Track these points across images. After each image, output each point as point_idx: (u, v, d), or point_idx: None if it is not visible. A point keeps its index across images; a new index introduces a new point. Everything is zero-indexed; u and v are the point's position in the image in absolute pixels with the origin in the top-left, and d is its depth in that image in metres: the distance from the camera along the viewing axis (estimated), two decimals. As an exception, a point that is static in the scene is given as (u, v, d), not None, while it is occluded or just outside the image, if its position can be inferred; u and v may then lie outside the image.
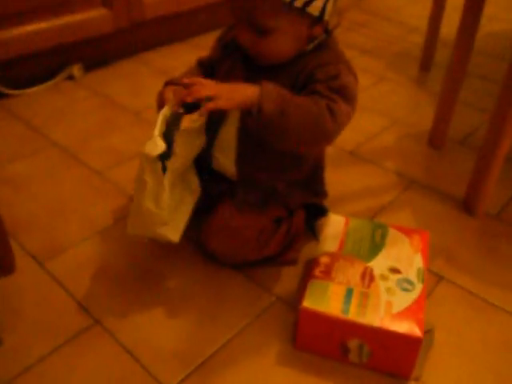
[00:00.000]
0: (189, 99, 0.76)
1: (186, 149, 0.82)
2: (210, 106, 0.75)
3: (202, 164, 0.94)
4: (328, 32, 0.85)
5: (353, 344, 0.77)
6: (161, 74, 1.61)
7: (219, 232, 0.90)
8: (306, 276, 0.85)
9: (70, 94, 1.52)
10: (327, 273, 0.82)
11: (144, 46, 1.78)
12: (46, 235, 1.01)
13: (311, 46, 0.84)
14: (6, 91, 1.46)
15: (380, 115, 1.48)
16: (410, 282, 0.81)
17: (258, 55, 0.83)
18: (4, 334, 0.81)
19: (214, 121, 0.88)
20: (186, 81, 0.79)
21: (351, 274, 0.82)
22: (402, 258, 0.86)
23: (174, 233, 0.84)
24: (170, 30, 1.84)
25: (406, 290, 0.80)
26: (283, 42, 0.80)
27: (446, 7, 1.64)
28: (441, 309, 0.89)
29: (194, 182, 0.91)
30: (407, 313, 0.76)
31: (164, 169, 0.78)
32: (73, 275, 0.92)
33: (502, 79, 1.00)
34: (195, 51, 1.16)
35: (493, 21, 2.12)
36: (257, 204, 0.91)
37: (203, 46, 1.70)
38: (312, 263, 0.86)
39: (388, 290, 0.79)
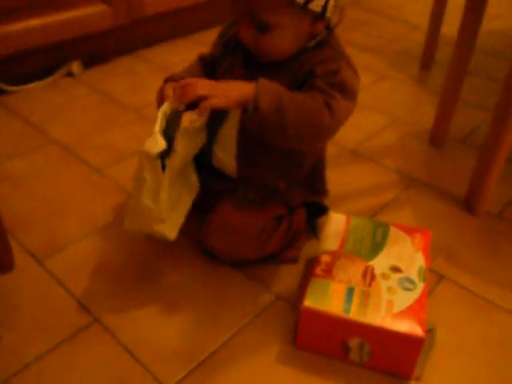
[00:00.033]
0: (184, 100, 0.76)
1: (187, 147, 0.82)
2: (206, 105, 0.75)
3: (202, 161, 0.93)
4: (330, 29, 0.84)
5: (354, 343, 0.76)
6: (161, 71, 1.60)
7: (219, 230, 0.89)
8: (307, 274, 0.84)
9: (70, 90, 1.51)
10: (328, 271, 0.82)
11: (144, 43, 1.78)
12: (45, 232, 1.00)
13: (313, 42, 0.83)
14: (5, 87, 1.45)
15: (381, 113, 1.47)
16: (411, 281, 0.81)
17: (259, 52, 0.82)
18: (3, 331, 0.81)
19: (216, 118, 0.87)
20: (180, 82, 0.79)
21: (352, 272, 0.82)
22: (404, 256, 0.85)
23: (170, 230, 0.84)
24: (170, 27, 1.83)
25: (407, 289, 0.79)
26: (284, 39, 0.80)
27: (447, 5, 1.63)
28: (441, 308, 0.88)
29: (193, 178, 0.91)
30: (409, 312, 0.76)
31: (163, 167, 0.77)
32: (72, 273, 0.92)
33: (504, 78, 0.99)
34: (196, 48, 1.16)
35: (494, 19, 2.12)
36: (257, 202, 0.91)
37: (204, 42, 1.69)
38: (313, 262, 0.85)
39: (389, 289, 0.79)
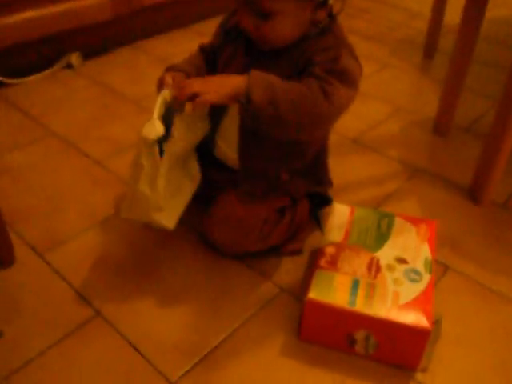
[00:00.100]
0: (179, 99, 0.77)
1: (186, 133, 0.81)
2: (198, 101, 0.75)
3: (204, 152, 0.92)
4: (332, 16, 0.83)
5: (359, 335, 0.75)
6: (161, 62, 1.59)
7: (221, 222, 0.88)
8: (312, 266, 0.83)
9: (69, 82, 1.50)
10: (333, 263, 0.81)
11: (143, 34, 1.76)
12: (46, 226, 0.99)
13: (315, 30, 0.82)
14: (4, 80, 1.44)
15: (383, 103, 1.46)
16: (417, 273, 0.80)
17: (260, 39, 0.81)
18: (4, 326, 0.80)
19: (218, 109, 0.86)
20: (170, 85, 0.80)
21: (357, 264, 0.81)
22: (409, 247, 0.84)
23: (169, 219, 0.82)
24: (169, 17, 1.81)
25: (413, 280, 0.78)
26: (286, 26, 0.79)
27: (450, -8, 1.61)
28: (447, 298, 0.87)
29: (194, 167, 0.90)
30: (415, 304, 0.75)
31: (161, 152, 0.76)
32: (73, 266, 0.91)
33: (510, 66, 0.98)
34: (196, 38, 1.15)
35: (498, 7, 2.09)
36: (260, 194, 0.90)
37: (204, 32, 1.68)
38: (317, 253, 0.84)
39: (395, 280, 0.78)
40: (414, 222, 0.90)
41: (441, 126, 1.31)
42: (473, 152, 1.17)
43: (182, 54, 0.97)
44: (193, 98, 0.76)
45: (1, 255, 0.90)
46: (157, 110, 0.76)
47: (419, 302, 0.75)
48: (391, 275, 0.79)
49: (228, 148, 0.90)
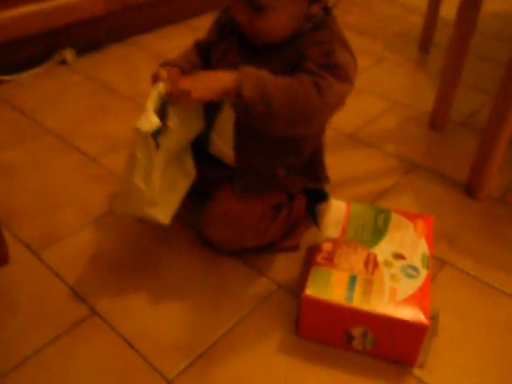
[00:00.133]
0: (174, 94, 0.77)
1: (181, 126, 0.80)
2: (188, 99, 0.75)
3: (200, 148, 0.92)
4: (327, 11, 0.82)
5: (357, 332, 0.75)
6: (155, 58, 1.58)
7: (217, 219, 0.88)
8: (308, 263, 0.83)
9: (63, 79, 1.49)
10: (330, 259, 0.81)
11: (138, 29, 1.75)
12: (41, 224, 0.99)
13: (309, 25, 0.81)
14: (-3, 76, 1.43)
15: (379, 97, 1.45)
16: (414, 268, 0.79)
17: (253, 33, 0.81)
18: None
19: (213, 105, 0.86)
20: (165, 79, 0.79)
21: (354, 260, 0.80)
22: (406, 243, 0.84)
23: (163, 214, 0.82)
24: (164, 13, 1.80)
25: (410, 276, 0.78)
26: (280, 20, 0.78)
27: (445, -14, 1.61)
28: (444, 294, 0.87)
29: (189, 164, 0.89)
30: (412, 299, 0.75)
31: (157, 145, 0.76)
32: (69, 264, 0.90)
33: (507, 61, 0.97)
34: (191, 33, 1.14)
35: (493, 0, 2.08)
36: (256, 190, 0.89)
37: (199, 28, 1.67)
38: (314, 250, 0.84)
39: (392, 276, 0.78)
40: (411, 217, 0.90)
41: (437, 121, 1.31)
42: (469, 147, 1.17)
43: (176, 49, 0.96)
44: (183, 95, 0.75)
45: (-5, 254, 0.89)
46: (151, 103, 0.75)
47: (416, 298, 0.75)
48: (388, 271, 0.79)
49: (224, 145, 0.90)
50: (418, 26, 1.77)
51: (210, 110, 0.87)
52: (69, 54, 1.55)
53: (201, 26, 1.00)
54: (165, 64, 0.85)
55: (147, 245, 0.95)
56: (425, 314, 0.73)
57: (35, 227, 0.98)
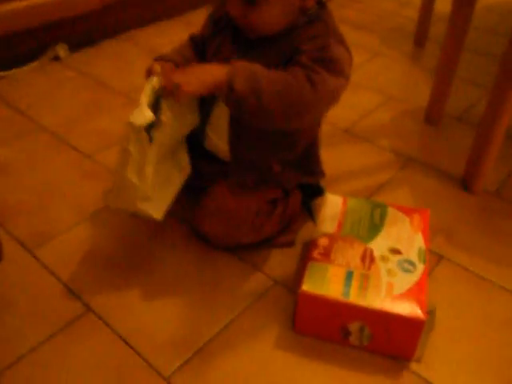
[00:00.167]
0: (168, 88, 0.76)
1: (175, 120, 0.79)
2: (179, 92, 0.75)
3: (195, 143, 0.91)
4: (321, 4, 0.82)
5: (354, 327, 0.75)
6: (149, 53, 1.57)
7: (212, 215, 0.87)
8: (305, 258, 0.83)
9: (56, 75, 1.47)
10: (326, 255, 0.80)
11: (132, 24, 1.73)
12: (35, 222, 0.98)
13: (304, 18, 0.81)
14: (-10, 73, 1.42)
15: (375, 92, 1.45)
16: (411, 263, 0.79)
17: (247, 27, 0.80)
18: (-6, 323, 0.79)
19: (208, 99, 0.85)
20: (159, 74, 0.79)
21: (351, 255, 0.80)
22: (403, 238, 0.84)
23: (156, 210, 0.81)
24: (158, 7, 1.78)
25: (407, 270, 0.78)
26: (273, 13, 0.78)
27: (440, -20, 1.61)
28: (441, 288, 0.87)
29: (184, 159, 0.88)
30: (409, 294, 0.74)
31: (150, 139, 0.75)
32: (63, 261, 0.90)
33: (501, 55, 0.97)
34: (185, 28, 1.13)
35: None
36: (251, 185, 0.89)
37: (193, 22, 1.66)
38: (310, 245, 0.84)
39: (389, 271, 0.78)
40: (407, 211, 0.90)
41: (432, 115, 1.31)
42: (465, 141, 1.17)
43: (170, 44, 0.95)
44: (176, 88, 0.75)
45: (-11, 252, 0.88)
46: (145, 97, 0.75)
47: (413, 293, 0.75)
48: (385, 266, 0.78)
49: (219, 139, 0.89)
50: (413, 21, 1.77)
51: (205, 104, 0.86)
52: (62, 50, 1.54)
53: (195, 21, 0.99)
54: (159, 59, 0.85)
55: (142, 241, 0.95)
56: (422, 308, 0.73)
57: (30, 225, 0.97)
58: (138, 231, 0.96)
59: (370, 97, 1.42)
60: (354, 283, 0.76)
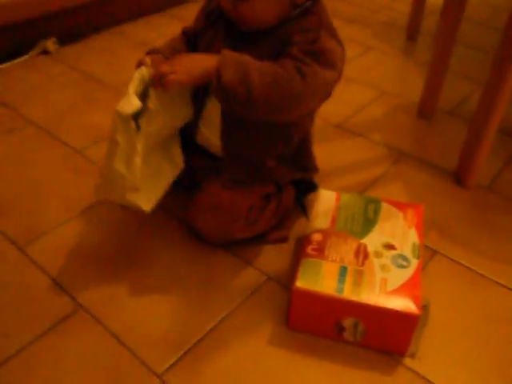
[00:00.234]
0: (157, 78, 0.75)
1: (164, 110, 0.78)
2: (167, 81, 0.73)
3: (187, 137, 0.90)
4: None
5: (348, 323, 0.75)
6: (140, 47, 1.55)
7: (206, 210, 0.87)
8: (298, 254, 0.82)
9: (45, 69, 1.46)
10: (320, 251, 0.80)
11: (121, 18, 1.72)
12: (25, 219, 0.97)
13: (296, 11, 0.80)
14: (-22, 67, 1.40)
15: (367, 86, 1.44)
16: (405, 258, 0.79)
17: (239, 19, 0.80)
18: (-16, 322, 0.78)
19: (201, 92, 0.84)
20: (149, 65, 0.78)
21: (344, 251, 0.80)
22: (397, 233, 0.83)
23: (145, 201, 0.79)
24: (148, 1, 1.77)
25: (401, 266, 0.78)
26: (265, 6, 0.77)
27: (432, -27, 1.60)
28: (435, 283, 0.87)
29: (177, 153, 0.87)
30: (403, 290, 0.74)
31: (138, 127, 0.74)
32: (54, 259, 0.89)
33: (495, 49, 0.97)
34: (175, 22, 1.11)
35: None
36: (244, 181, 0.88)
37: (183, 16, 1.64)
38: (304, 241, 0.83)
39: (383, 266, 0.77)
40: (401, 206, 0.90)
41: (425, 110, 1.30)
42: (458, 135, 1.17)
43: (160, 38, 0.94)
44: (164, 77, 0.74)
45: (-22, 249, 0.87)
46: (133, 86, 0.73)
47: (407, 288, 0.74)
48: (379, 262, 0.78)
49: (211, 134, 0.88)
50: (404, 14, 1.76)
51: (198, 98, 0.85)
52: (51, 44, 1.52)
53: (186, 15, 0.98)
54: (151, 52, 0.84)
55: (134, 237, 0.94)
56: (416, 303, 0.72)
57: (20, 222, 0.96)
58: (130, 228, 0.95)
59: (363, 91, 1.42)
60: (348, 279, 0.75)
